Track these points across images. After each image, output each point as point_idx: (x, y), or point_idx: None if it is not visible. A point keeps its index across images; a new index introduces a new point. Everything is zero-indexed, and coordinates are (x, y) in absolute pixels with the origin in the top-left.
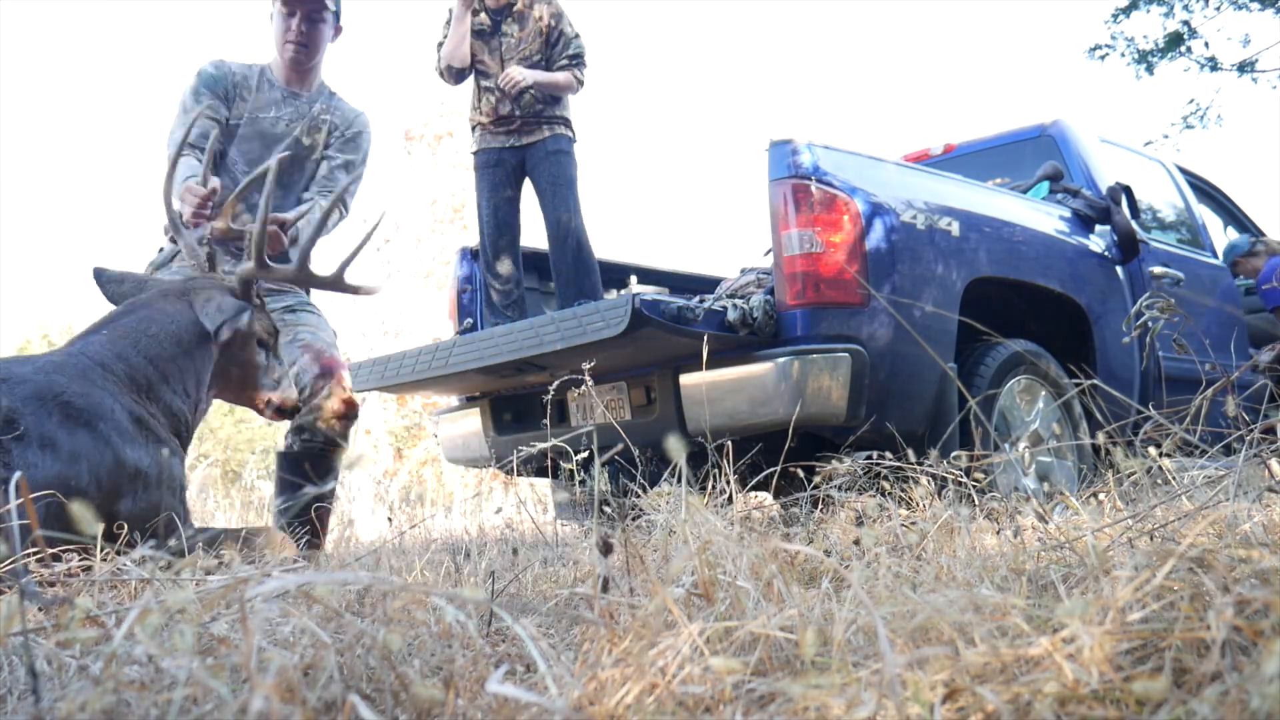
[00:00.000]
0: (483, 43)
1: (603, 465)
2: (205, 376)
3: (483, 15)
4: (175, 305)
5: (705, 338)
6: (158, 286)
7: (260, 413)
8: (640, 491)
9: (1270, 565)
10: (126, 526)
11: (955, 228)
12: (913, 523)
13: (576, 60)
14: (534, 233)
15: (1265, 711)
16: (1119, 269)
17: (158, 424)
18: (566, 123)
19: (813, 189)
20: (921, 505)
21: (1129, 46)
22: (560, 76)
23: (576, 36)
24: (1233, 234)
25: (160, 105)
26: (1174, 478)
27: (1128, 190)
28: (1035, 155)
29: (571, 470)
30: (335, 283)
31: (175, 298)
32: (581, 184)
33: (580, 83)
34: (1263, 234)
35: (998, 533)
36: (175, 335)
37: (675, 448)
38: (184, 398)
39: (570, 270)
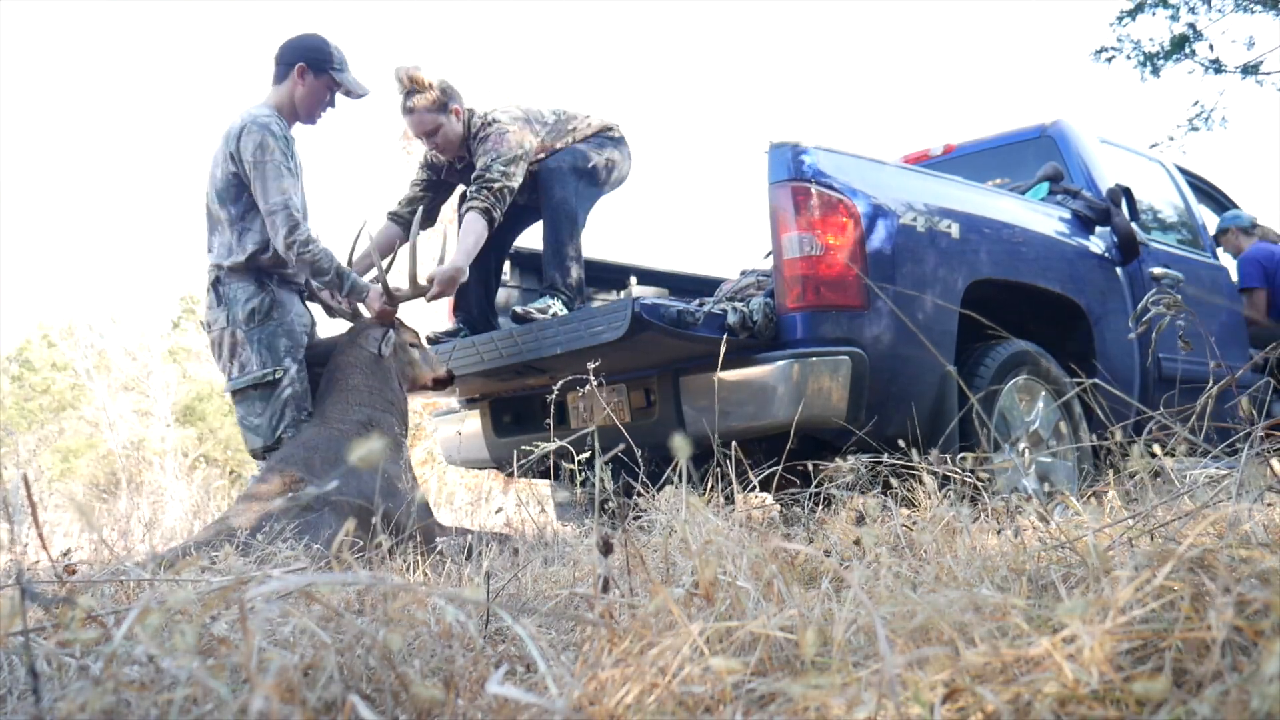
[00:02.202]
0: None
1: (603, 466)
2: (395, 382)
3: (455, 184)
4: (351, 353)
5: (724, 340)
6: (335, 343)
7: (429, 390)
8: (641, 492)
9: (1271, 565)
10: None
11: (955, 230)
12: (913, 522)
13: (478, 187)
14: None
15: (1265, 711)
16: (1119, 270)
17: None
18: (599, 132)
19: (813, 192)
20: (923, 505)
21: (1135, 49)
22: (469, 240)
23: (492, 161)
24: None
25: (160, 105)
26: (1175, 477)
27: (1127, 192)
28: (1035, 156)
29: (572, 472)
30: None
31: (347, 348)
32: (602, 170)
33: (488, 212)
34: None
35: (998, 533)
36: (359, 371)
37: (680, 446)
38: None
39: (550, 250)
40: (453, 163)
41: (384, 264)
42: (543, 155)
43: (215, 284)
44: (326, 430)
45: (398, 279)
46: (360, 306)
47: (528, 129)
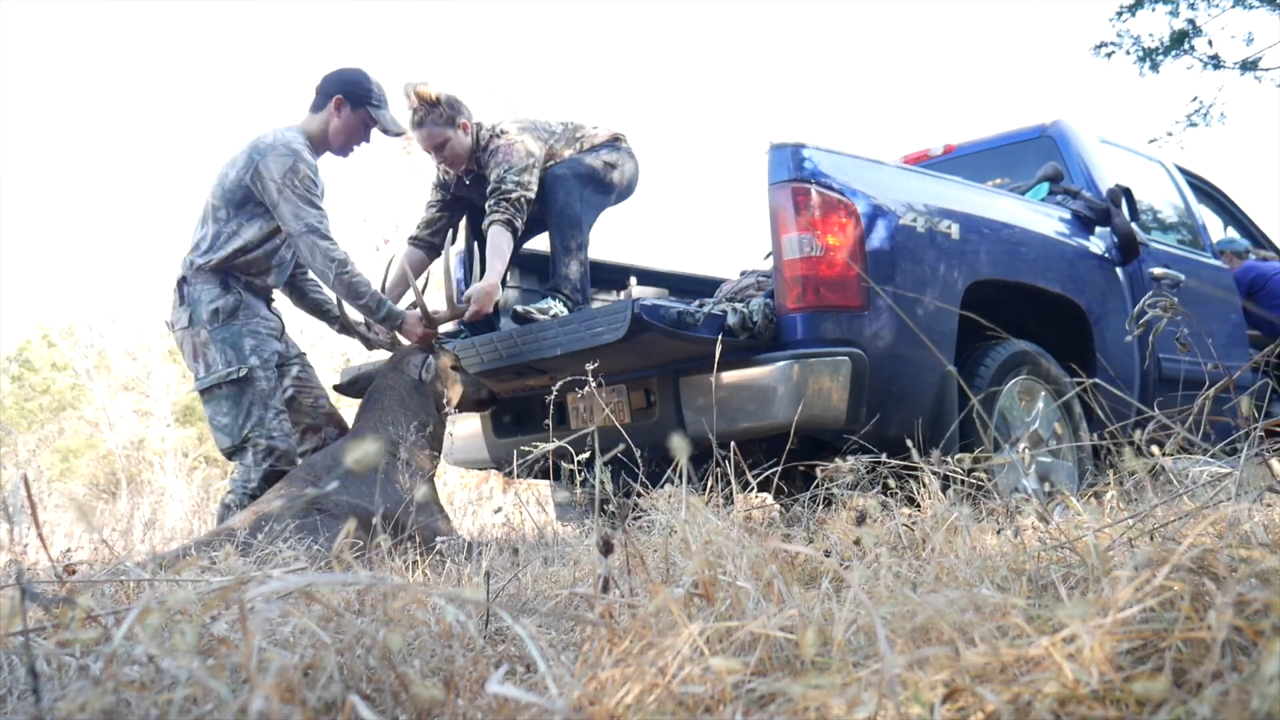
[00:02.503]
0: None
1: (603, 466)
2: (432, 406)
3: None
4: (392, 377)
5: (719, 342)
6: (378, 370)
7: (475, 410)
8: (641, 492)
9: (1271, 565)
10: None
11: (955, 230)
12: (914, 522)
13: (496, 199)
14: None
15: (1265, 711)
16: (1119, 270)
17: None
18: (606, 141)
19: (813, 192)
20: (924, 504)
21: (1135, 44)
22: (498, 255)
23: (505, 173)
24: (1233, 234)
25: (160, 106)
26: (1175, 477)
27: (1127, 192)
28: (1035, 156)
29: (572, 472)
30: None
31: (389, 372)
32: (606, 174)
33: (510, 223)
34: (1272, 244)
35: (998, 533)
36: (398, 396)
37: (679, 446)
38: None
39: (554, 253)
40: (461, 177)
41: (419, 287)
42: (550, 162)
43: (181, 283)
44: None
45: (434, 302)
46: (397, 334)
47: (535, 137)
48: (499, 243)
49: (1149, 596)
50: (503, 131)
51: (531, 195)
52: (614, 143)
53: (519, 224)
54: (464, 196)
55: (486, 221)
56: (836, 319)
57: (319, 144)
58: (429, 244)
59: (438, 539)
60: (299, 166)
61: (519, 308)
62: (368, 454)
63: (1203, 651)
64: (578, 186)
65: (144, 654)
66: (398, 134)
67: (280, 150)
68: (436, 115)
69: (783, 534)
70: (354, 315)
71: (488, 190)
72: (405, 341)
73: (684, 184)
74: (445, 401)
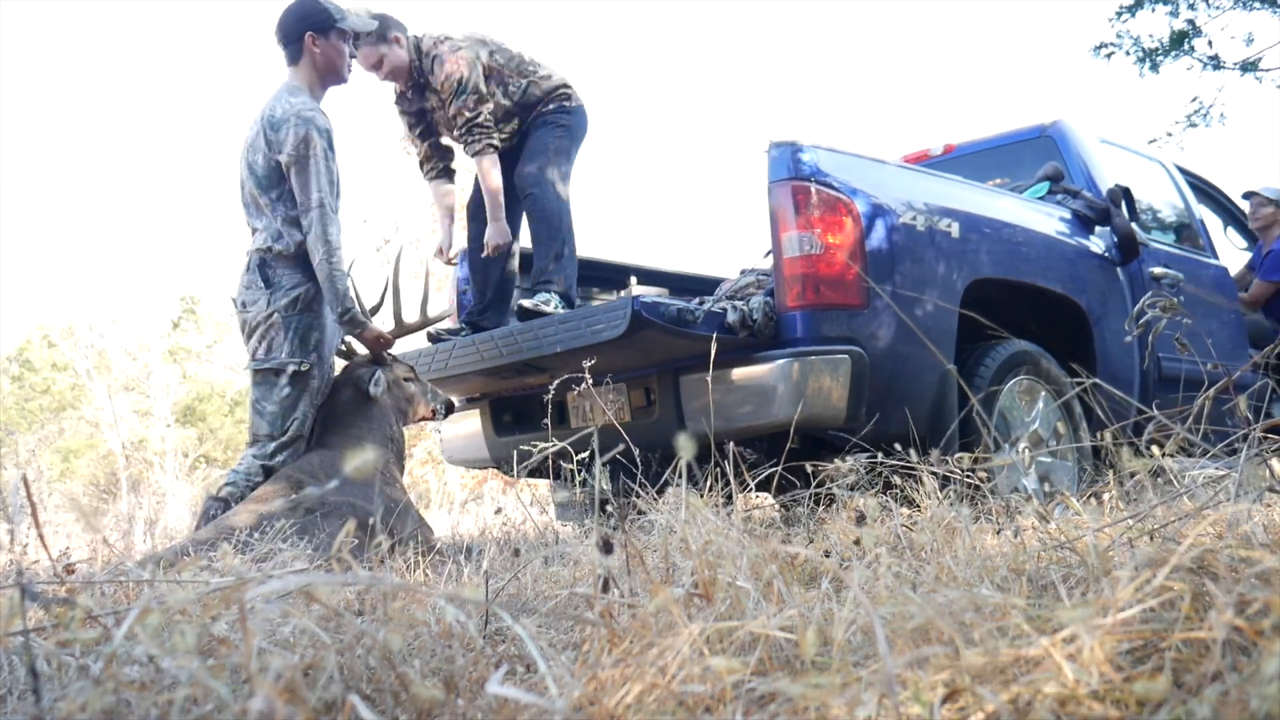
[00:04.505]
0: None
1: (603, 465)
2: (391, 418)
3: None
4: (347, 391)
5: (714, 339)
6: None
7: (431, 420)
8: (641, 492)
9: (1271, 565)
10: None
11: (955, 229)
12: (914, 522)
13: (463, 131)
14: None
15: (1265, 712)
16: (1119, 270)
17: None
18: (555, 98)
19: (813, 191)
20: (924, 505)
21: (1134, 45)
22: (493, 190)
23: (457, 101)
24: (1233, 234)
25: (160, 105)
26: (1175, 478)
27: (1127, 192)
28: (1035, 156)
29: (572, 471)
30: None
31: (342, 387)
32: (568, 152)
33: (491, 146)
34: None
35: (998, 533)
36: (356, 409)
37: (685, 445)
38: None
39: (536, 247)
40: (405, 92)
41: (394, 300)
42: (508, 101)
43: (262, 266)
44: (330, 453)
45: (377, 315)
46: (353, 341)
47: (479, 48)
48: (488, 175)
49: (1149, 596)
50: (447, 38)
51: (491, 105)
52: (563, 99)
53: (496, 141)
54: (413, 110)
55: (470, 152)
56: (836, 317)
57: (319, 87)
58: (444, 170)
59: (435, 538)
60: (311, 135)
61: (525, 303)
62: (367, 463)
63: (1203, 651)
64: (549, 171)
65: (144, 654)
66: (369, 30)
67: (293, 122)
68: (367, 35)
69: (783, 534)
70: None
71: (450, 119)
72: (360, 348)
73: (684, 183)
74: (402, 414)
